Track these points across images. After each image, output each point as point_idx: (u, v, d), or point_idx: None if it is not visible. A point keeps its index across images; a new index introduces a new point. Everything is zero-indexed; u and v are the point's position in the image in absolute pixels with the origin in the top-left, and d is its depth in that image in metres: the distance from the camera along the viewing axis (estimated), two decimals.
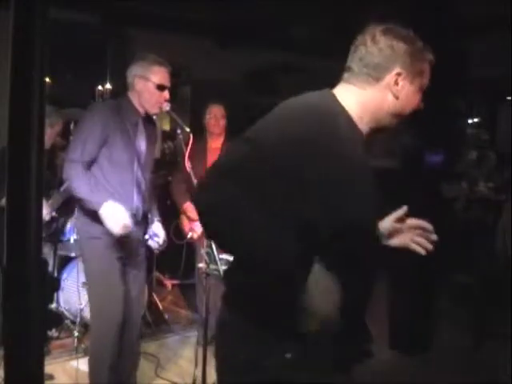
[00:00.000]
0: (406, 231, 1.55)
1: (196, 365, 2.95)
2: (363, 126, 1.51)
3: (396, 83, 1.48)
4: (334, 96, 1.50)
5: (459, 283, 5.00)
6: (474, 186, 5.83)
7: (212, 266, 2.73)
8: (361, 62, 1.48)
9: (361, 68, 1.48)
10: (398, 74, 1.47)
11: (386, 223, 1.55)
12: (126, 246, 2.86)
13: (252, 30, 6.12)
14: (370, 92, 1.48)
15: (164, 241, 3.04)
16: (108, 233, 2.77)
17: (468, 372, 3.61)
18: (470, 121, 8.21)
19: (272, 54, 6.68)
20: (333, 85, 1.56)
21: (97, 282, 2.86)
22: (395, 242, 1.57)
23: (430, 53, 1.53)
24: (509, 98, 7.40)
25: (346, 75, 1.53)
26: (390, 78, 1.47)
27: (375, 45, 1.46)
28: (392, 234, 1.56)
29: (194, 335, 4.02)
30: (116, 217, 2.63)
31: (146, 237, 3.02)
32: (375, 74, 1.47)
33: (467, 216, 5.62)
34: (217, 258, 2.70)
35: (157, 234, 3.02)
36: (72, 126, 4.69)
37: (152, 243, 3.04)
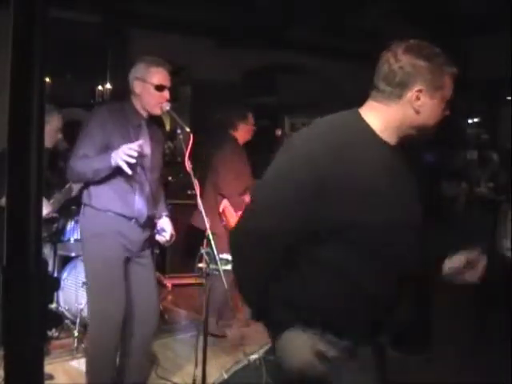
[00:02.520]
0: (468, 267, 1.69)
1: (196, 365, 2.95)
2: (388, 138, 1.59)
3: (417, 99, 1.55)
4: (358, 114, 1.60)
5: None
6: (475, 186, 5.83)
7: (212, 266, 2.73)
8: (384, 81, 1.56)
9: (384, 86, 1.56)
10: (419, 91, 1.54)
11: (455, 262, 1.68)
12: (129, 245, 2.86)
13: (252, 30, 6.12)
14: (394, 109, 1.56)
15: (171, 235, 3.06)
16: (112, 230, 2.78)
17: (468, 372, 3.61)
18: (469, 121, 8.20)
19: (272, 54, 6.68)
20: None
21: (97, 280, 2.86)
22: (463, 279, 1.70)
23: (452, 66, 1.58)
24: (509, 97, 7.40)
25: (373, 93, 1.61)
26: (411, 94, 1.54)
27: (397, 63, 1.54)
28: (458, 271, 1.69)
29: (193, 335, 4.03)
30: (122, 148, 2.61)
31: (155, 231, 3.05)
32: (397, 91, 1.55)
33: (467, 216, 5.62)
34: (217, 258, 2.70)
35: (164, 229, 3.04)
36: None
37: (160, 238, 3.07)
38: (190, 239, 4.93)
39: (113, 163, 2.65)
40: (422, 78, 1.53)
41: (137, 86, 2.84)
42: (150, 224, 2.98)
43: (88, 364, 2.93)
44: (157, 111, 2.89)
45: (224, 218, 4.36)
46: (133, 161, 2.61)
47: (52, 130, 3.85)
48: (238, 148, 4.48)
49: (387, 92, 1.55)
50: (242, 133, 4.52)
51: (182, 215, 4.94)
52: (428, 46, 1.57)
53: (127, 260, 2.89)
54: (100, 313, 2.86)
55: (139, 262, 2.95)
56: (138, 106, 2.88)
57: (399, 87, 1.54)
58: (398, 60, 1.53)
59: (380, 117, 1.57)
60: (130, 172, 2.63)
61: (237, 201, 4.28)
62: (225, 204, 4.36)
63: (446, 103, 1.59)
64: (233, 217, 4.33)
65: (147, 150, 2.89)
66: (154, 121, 3.01)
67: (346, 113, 1.62)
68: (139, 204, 2.85)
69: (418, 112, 1.55)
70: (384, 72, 1.56)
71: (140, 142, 2.69)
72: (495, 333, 4.11)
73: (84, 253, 2.96)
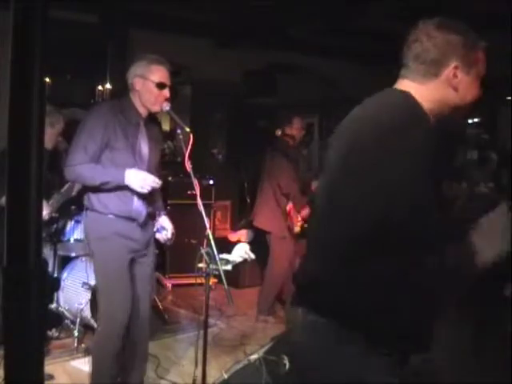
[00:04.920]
0: None
1: (196, 365, 2.95)
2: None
3: (454, 76, 1.50)
4: (409, 95, 1.50)
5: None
6: (474, 186, 5.83)
7: (212, 266, 2.73)
8: (418, 59, 1.50)
9: (418, 65, 1.51)
10: (456, 67, 1.49)
11: None
12: (134, 244, 2.87)
13: (252, 30, 6.12)
14: (431, 87, 1.50)
15: (172, 233, 3.07)
16: (115, 233, 2.79)
17: (468, 372, 3.60)
18: (469, 121, 8.20)
19: (272, 54, 6.68)
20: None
21: (104, 282, 2.88)
22: None
23: (483, 41, 1.55)
24: (509, 97, 7.40)
25: (403, 72, 1.55)
26: (448, 72, 1.50)
27: (430, 40, 1.48)
28: None
29: (194, 335, 4.03)
30: (139, 177, 2.74)
31: (154, 230, 3.06)
32: (433, 69, 1.50)
33: (467, 216, 5.61)
34: (217, 258, 2.71)
35: (164, 227, 3.06)
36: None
37: (160, 236, 3.08)
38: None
39: (125, 182, 2.72)
40: (458, 53, 1.49)
41: (137, 83, 2.83)
42: (149, 223, 2.99)
43: (93, 365, 2.93)
44: (156, 109, 2.89)
45: (289, 219, 4.70)
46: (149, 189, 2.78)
47: (55, 133, 3.90)
48: (290, 150, 4.83)
49: (422, 70, 1.50)
50: (288, 136, 4.89)
51: (182, 215, 4.95)
52: (458, 22, 1.53)
53: (132, 261, 2.90)
54: (107, 314, 2.87)
55: (141, 262, 2.96)
56: (137, 104, 2.87)
57: (435, 65, 1.49)
58: (431, 37, 1.48)
59: (417, 96, 1.49)
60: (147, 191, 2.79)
61: (299, 200, 4.65)
62: (290, 205, 4.71)
63: (480, 80, 1.55)
64: (297, 217, 4.68)
65: (145, 150, 2.89)
66: (152, 120, 3.02)
67: (387, 93, 1.54)
68: (137, 203, 2.86)
69: (456, 89, 1.50)
70: (417, 50, 1.50)
71: (159, 182, 2.81)
72: (495, 333, 4.10)
73: (92, 255, 2.98)
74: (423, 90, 1.51)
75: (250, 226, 5.20)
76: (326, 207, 1.51)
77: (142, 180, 2.74)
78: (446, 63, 1.49)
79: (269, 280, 4.81)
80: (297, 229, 4.68)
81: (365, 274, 1.36)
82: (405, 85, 1.53)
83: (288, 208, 4.73)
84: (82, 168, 2.76)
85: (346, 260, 1.39)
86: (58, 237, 4.15)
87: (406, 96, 1.49)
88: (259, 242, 4.87)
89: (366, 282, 1.37)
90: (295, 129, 4.88)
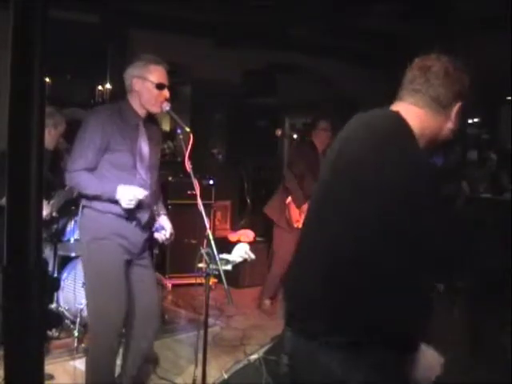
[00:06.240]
0: None
1: (196, 365, 2.95)
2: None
3: (457, 113, 1.60)
4: (403, 121, 1.56)
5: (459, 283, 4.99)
6: (474, 186, 5.83)
7: (212, 266, 2.73)
8: (432, 91, 1.58)
9: (433, 97, 1.58)
10: (460, 106, 1.59)
11: None
12: (130, 247, 2.86)
13: (252, 30, 6.12)
14: (438, 119, 1.59)
15: (171, 234, 3.06)
16: (112, 233, 2.78)
17: (468, 371, 3.60)
18: (469, 121, 8.20)
19: (272, 54, 6.68)
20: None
21: (98, 283, 2.84)
22: None
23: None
24: (509, 97, 7.40)
25: (412, 97, 1.60)
26: (455, 108, 1.59)
27: (448, 78, 1.57)
28: None
29: (194, 335, 4.03)
30: (128, 193, 2.71)
31: (153, 229, 3.05)
32: (445, 103, 1.58)
33: (467, 216, 5.61)
34: (217, 258, 2.70)
35: (163, 227, 3.05)
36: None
37: (159, 236, 3.06)
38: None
39: (116, 197, 2.71)
40: (464, 93, 1.59)
41: (136, 84, 2.81)
42: (150, 224, 2.99)
43: (88, 365, 2.92)
44: (156, 109, 2.88)
45: (287, 212, 4.72)
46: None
47: (58, 134, 3.90)
48: (307, 149, 4.77)
49: (434, 103, 1.57)
50: (315, 138, 4.78)
51: (182, 215, 4.95)
52: (461, 59, 1.61)
53: (128, 262, 2.89)
54: (101, 315, 2.85)
55: (140, 264, 2.94)
56: (136, 105, 2.86)
57: (447, 101, 1.57)
58: (450, 75, 1.57)
59: (419, 124, 1.57)
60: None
61: (297, 197, 4.60)
62: (289, 199, 4.72)
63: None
64: (295, 213, 4.68)
65: (145, 150, 2.88)
66: (151, 120, 3.00)
67: (388, 113, 1.61)
68: (140, 205, 2.84)
69: (454, 126, 1.60)
70: (433, 83, 1.57)
71: (146, 193, 2.77)
72: (495, 333, 4.10)
73: (84, 255, 2.95)
74: (428, 119, 1.58)
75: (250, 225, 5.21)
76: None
77: (130, 196, 2.71)
78: (455, 101, 1.59)
79: (271, 271, 4.89)
80: (297, 224, 4.67)
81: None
82: (413, 111, 1.58)
83: (287, 201, 4.75)
84: (80, 177, 2.76)
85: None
86: (58, 237, 4.15)
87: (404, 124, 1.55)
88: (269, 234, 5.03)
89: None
90: (321, 131, 4.71)
